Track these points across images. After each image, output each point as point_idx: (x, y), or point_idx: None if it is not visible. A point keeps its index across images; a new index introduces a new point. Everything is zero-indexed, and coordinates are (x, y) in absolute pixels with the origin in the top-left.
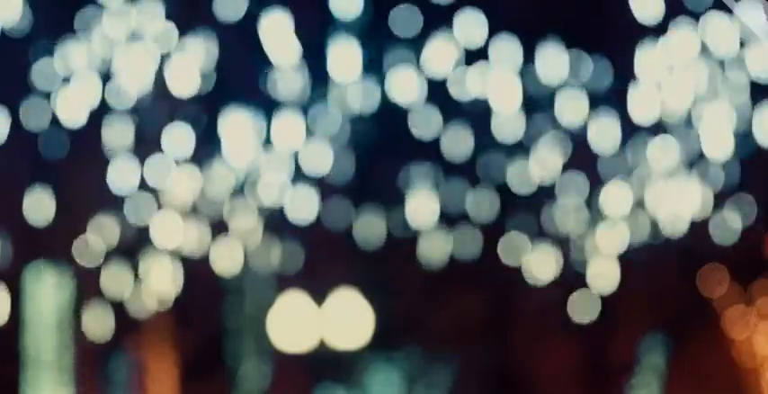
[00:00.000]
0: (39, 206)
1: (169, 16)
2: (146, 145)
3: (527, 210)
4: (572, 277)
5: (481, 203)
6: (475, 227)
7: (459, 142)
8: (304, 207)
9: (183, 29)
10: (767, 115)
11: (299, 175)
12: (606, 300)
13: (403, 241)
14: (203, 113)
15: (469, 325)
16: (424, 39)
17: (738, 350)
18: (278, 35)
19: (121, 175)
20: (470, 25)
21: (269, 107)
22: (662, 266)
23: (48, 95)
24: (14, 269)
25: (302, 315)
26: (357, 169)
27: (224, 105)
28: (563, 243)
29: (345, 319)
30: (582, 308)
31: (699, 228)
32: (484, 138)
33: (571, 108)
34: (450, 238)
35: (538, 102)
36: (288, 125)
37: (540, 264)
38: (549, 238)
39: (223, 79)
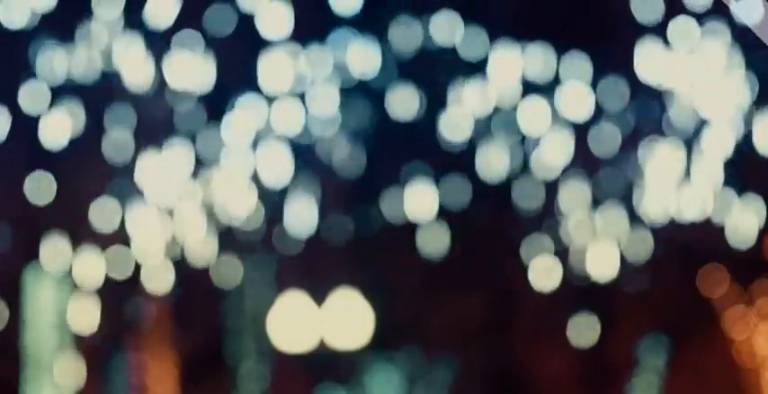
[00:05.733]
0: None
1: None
2: (146, 150)
3: (527, 212)
4: (573, 283)
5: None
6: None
7: (458, 142)
8: (304, 207)
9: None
10: (767, 116)
11: (299, 176)
12: (606, 300)
13: (403, 241)
14: (204, 117)
15: (470, 325)
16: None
17: (738, 350)
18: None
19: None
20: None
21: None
22: (662, 266)
23: (47, 97)
24: (14, 269)
25: (302, 315)
26: (357, 170)
27: (224, 108)
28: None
29: (345, 319)
30: (582, 328)
31: (699, 229)
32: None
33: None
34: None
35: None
36: (287, 126)
37: (543, 270)
38: (550, 242)
39: (223, 81)
